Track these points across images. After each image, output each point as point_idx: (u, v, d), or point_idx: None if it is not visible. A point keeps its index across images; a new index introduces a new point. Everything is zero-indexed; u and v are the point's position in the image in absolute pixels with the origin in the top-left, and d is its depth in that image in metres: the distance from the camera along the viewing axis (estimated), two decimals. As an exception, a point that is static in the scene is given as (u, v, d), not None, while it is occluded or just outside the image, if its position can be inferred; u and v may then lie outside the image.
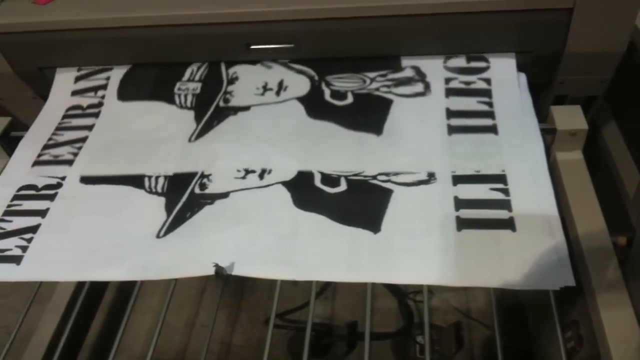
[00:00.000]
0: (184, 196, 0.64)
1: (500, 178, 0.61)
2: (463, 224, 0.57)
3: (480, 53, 0.72)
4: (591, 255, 0.57)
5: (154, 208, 0.64)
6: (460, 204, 0.59)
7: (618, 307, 0.53)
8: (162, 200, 0.64)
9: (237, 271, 0.56)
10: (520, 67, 0.71)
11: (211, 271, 0.55)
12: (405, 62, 0.73)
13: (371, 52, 0.73)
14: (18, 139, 0.75)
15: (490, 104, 0.68)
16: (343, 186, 0.63)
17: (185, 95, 0.75)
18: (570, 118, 0.66)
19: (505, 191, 0.60)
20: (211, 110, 0.72)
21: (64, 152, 0.72)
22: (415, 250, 0.56)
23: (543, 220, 0.56)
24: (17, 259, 0.61)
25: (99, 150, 0.71)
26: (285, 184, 0.64)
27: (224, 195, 0.64)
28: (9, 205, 0.67)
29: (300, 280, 0.55)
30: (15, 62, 0.78)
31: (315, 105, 0.71)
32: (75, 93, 0.78)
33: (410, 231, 0.58)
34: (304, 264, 0.56)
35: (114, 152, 0.71)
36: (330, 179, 0.64)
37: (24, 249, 0.62)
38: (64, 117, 0.76)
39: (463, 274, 0.53)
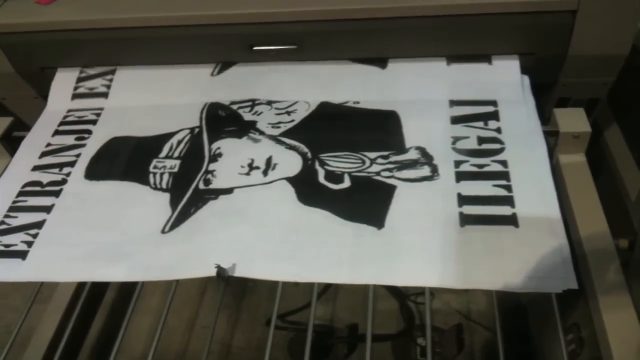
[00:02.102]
0: (189, 192, 0.65)
1: (504, 177, 0.61)
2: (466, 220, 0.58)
3: (483, 53, 0.71)
4: (593, 258, 0.57)
5: (159, 204, 0.64)
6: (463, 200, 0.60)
7: (620, 310, 0.53)
8: (167, 196, 0.65)
9: (239, 272, 0.56)
10: (524, 70, 0.71)
11: (213, 272, 0.55)
12: (410, 142, 0.67)
13: (374, 53, 0.73)
14: (20, 139, 0.75)
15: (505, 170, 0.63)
16: (347, 183, 0.63)
17: (162, 175, 0.68)
18: (574, 121, 0.66)
19: (509, 190, 0.60)
20: (189, 193, 0.65)
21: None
22: (418, 249, 0.56)
23: (546, 223, 0.56)
24: (22, 254, 0.61)
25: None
26: (290, 179, 0.64)
27: (228, 190, 0.64)
28: (14, 202, 0.67)
29: (301, 282, 0.55)
30: (17, 61, 0.77)
31: (307, 188, 0.63)
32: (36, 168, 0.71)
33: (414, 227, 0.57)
34: (306, 265, 0.56)
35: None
36: (334, 176, 0.64)
37: (29, 245, 0.62)
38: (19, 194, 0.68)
39: (466, 277, 0.53)
